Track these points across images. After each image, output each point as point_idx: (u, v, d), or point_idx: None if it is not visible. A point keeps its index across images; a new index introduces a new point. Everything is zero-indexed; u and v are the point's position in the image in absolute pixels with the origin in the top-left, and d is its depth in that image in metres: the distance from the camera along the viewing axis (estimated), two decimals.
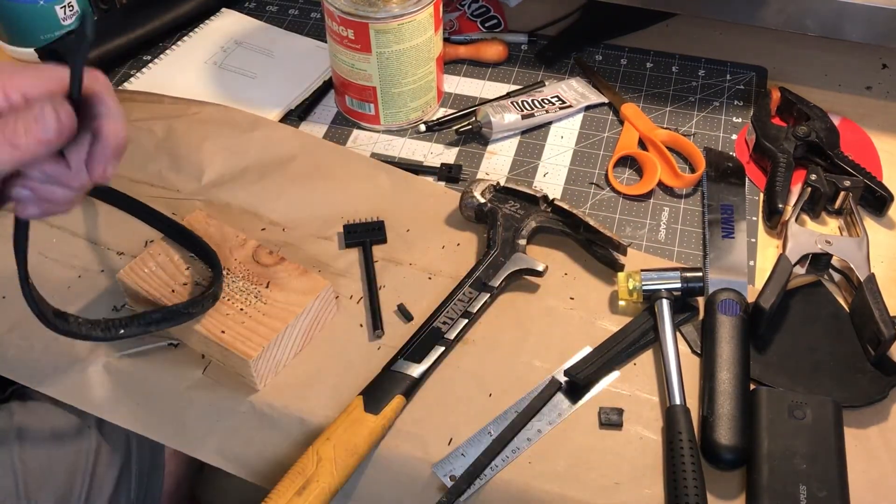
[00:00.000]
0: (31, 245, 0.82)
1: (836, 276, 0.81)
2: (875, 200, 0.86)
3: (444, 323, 0.75)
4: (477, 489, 0.67)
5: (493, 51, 1.03)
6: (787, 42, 1.04)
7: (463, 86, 1.02)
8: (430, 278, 0.81)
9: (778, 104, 0.95)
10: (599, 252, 0.81)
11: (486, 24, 1.08)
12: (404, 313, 0.77)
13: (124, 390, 0.75)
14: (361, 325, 0.77)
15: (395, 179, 0.89)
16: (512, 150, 0.94)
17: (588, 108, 0.98)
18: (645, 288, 0.77)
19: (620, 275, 0.78)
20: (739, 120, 0.97)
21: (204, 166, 0.89)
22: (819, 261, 0.81)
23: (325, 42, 0.94)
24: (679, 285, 0.76)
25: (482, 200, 0.83)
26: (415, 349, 0.73)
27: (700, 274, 0.77)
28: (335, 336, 0.77)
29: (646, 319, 0.76)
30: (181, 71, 1.03)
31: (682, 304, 0.77)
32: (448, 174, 0.90)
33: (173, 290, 0.74)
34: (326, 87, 1.00)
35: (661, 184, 0.89)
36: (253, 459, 0.72)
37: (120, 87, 1.00)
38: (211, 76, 1.02)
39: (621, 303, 0.79)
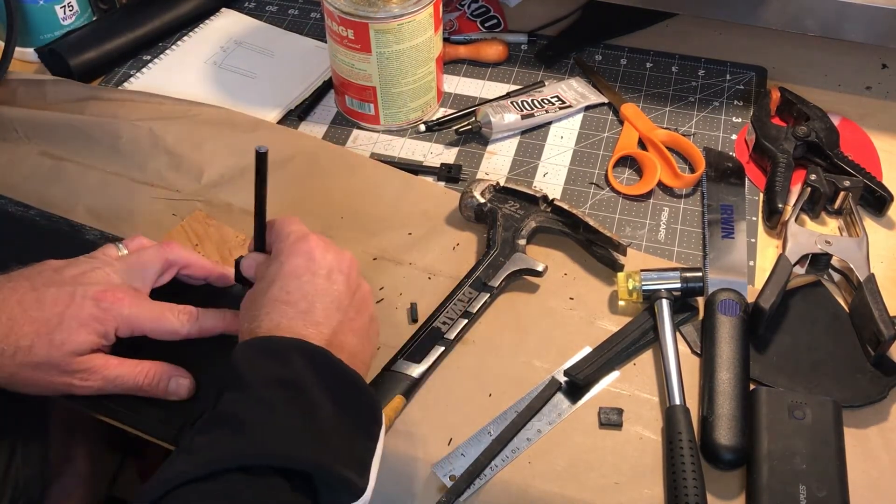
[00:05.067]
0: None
1: (836, 276, 0.81)
2: (875, 200, 0.86)
3: (444, 323, 0.75)
4: (477, 489, 0.67)
5: (493, 51, 1.03)
6: (787, 42, 1.04)
7: (463, 86, 1.02)
8: (429, 278, 0.81)
9: (778, 104, 0.95)
10: (599, 252, 0.81)
11: (486, 24, 1.08)
12: (413, 313, 0.77)
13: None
14: None
15: (394, 179, 0.89)
16: (512, 150, 0.94)
17: (588, 108, 0.98)
18: (645, 288, 0.77)
19: (620, 275, 0.78)
20: (739, 120, 0.97)
21: (204, 166, 0.89)
22: (819, 261, 0.81)
23: (325, 42, 0.94)
24: (679, 285, 0.77)
25: (482, 200, 0.83)
26: (415, 349, 0.73)
27: (700, 274, 0.77)
28: None
29: (646, 319, 0.76)
30: (181, 71, 1.03)
31: (682, 304, 0.77)
32: (448, 174, 0.90)
33: None
34: (326, 87, 1.00)
35: (660, 184, 0.89)
36: None
37: (120, 87, 1.00)
38: (211, 76, 1.02)
39: (621, 303, 0.79)
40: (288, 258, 0.63)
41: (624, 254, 0.80)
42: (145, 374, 0.67)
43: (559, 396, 0.72)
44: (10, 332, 0.62)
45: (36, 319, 0.62)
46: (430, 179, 0.91)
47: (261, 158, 0.64)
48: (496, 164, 0.92)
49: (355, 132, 0.96)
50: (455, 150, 0.94)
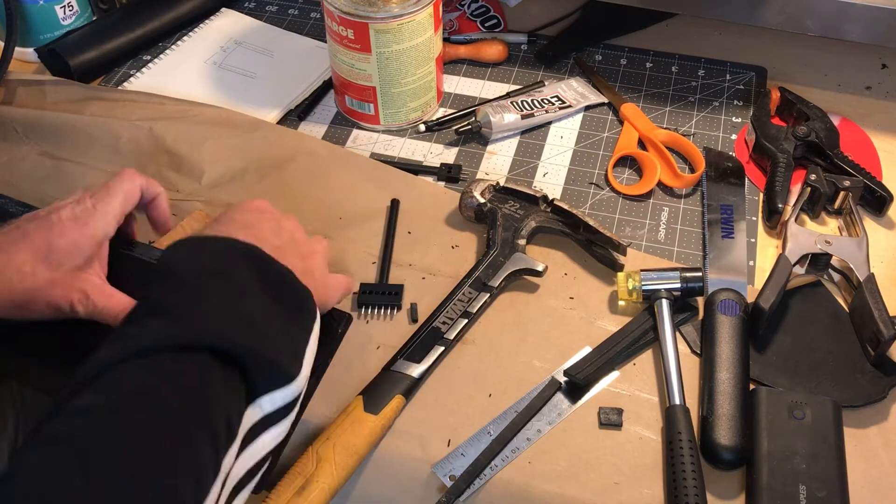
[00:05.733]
0: None
1: (836, 276, 0.81)
2: (875, 200, 0.86)
3: (444, 323, 0.75)
4: (476, 489, 0.67)
5: (493, 51, 1.03)
6: (787, 42, 1.04)
7: (463, 86, 1.02)
8: (429, 278, 0.80)
9: (778, 104, 0.95)
10: (599, 252, 0.81)
11: (486, 24, 1.08)
12: (413, 313, 0.77)
13: None
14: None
15: (394, 179, 0.89)
16: (512, 150, 0.94)
17: (588, 108, 0.98)
18: (645, 288, 0.77)
19: (620, 275, 0.78)
20: (739, 120, 0.97)
21: (204, 166, 0.89)
22: (819, 261, 0.81)
23: (325, 42, 0.94)
24: (679, 285, 0.77)
25: (482, 200, 0.83)
26: (415, 349, 0.73)
27: (700, 274, 0.77)
28: None
29: (645, 319, 0.76)
30: (181, 71, 1.03)
31: (682, 304, 0.77)
32: (448, 174, 0.90)
33: None
34: (326, 87, 1.00)
35: (660, 184, 0.89)
36: None
37: (120, 87, 1.00)
38: (211, 76, 1.02)
39: (621, 303, 0.79)
40: (241, 204, 0.68)
41: (624, 254, 0.80)
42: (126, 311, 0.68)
43: (559, 396, 0.72)
44: (8, 261, 0.65)
45: (27, 248, 0.66)
46: (429, 179, 0.91)
47: None
48: (496, 164, 0.92)
49: (355, 132, 0.96)
50: (455, 150, 0.94)
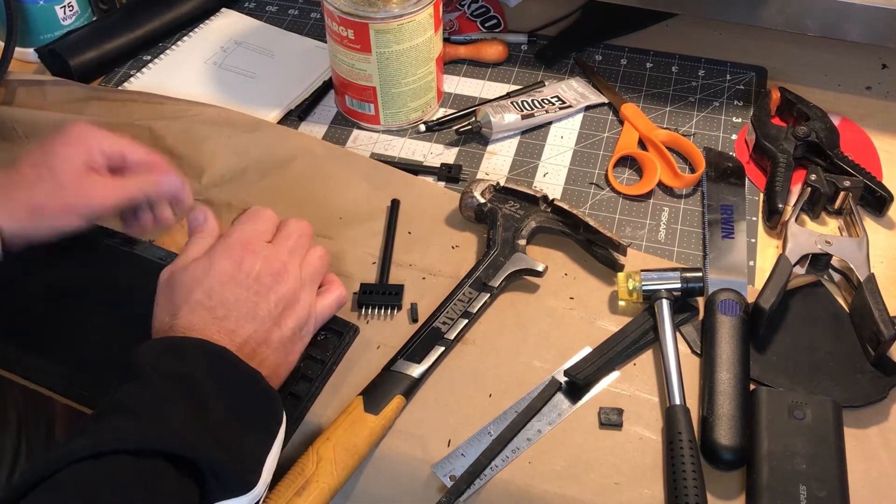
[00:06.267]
0: None
1: (836, 276, 0.81)
2: (875, 200, 0.86)
3: (444, 323, 0.75)
4: (477, 489, 0.67)
5: (493, 51, 1.03)
6: (787, 42, 1.04)
7: (463, 86, 1.02)
8: (429, 278, 0.81)
9: (778, 104, 0.95)
10: (599, 252, 0.81)
11: (486, 24, 1.08)
12: (413, 313, 0.77)
13: None
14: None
15: (394, 179, 0.89)
16: (512, 150, 0.94)
17: (588, 108, 0.98)
18: (645, 288, 0.77)
19: (620, 275, 0.78)
20: (739, 120, 0.97)
21: (204, 166, 0.89)
22: (819, 261, 0.81)
23: (325, 42, 0.94)
24: (679, 285, 0.77)
25: (482, 200, 0.83)
26: (415, 349, 0.73)
27: (700, 274, 0.77)
28: None
29: (646, 319, 0.76)
30: (181, 71, 1.03)
31: (682, 304, 0.77)
32: (448, 174, 0.90)
33: None
34: (326, 87, 1.00)
35: (660, 184, 0.89)
36: None
37: (120, 88, 1.00)
38: (211, 76, 1.02)
39: (621, 303, 0.79)
40: (219, 259, 0.66)
41: (624, 254, 0.80)
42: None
43: (559, 396, 0.72)
44: (16, 169, 0.70)
45: (30, 163, 0.71)
46: (430, 179, 0.91)
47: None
48: (496, 164, 0.92)
49: (355, 132, 0.96)
50: (455, 150, 0.94)
